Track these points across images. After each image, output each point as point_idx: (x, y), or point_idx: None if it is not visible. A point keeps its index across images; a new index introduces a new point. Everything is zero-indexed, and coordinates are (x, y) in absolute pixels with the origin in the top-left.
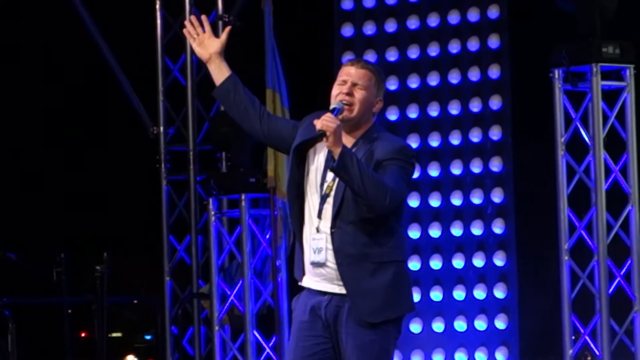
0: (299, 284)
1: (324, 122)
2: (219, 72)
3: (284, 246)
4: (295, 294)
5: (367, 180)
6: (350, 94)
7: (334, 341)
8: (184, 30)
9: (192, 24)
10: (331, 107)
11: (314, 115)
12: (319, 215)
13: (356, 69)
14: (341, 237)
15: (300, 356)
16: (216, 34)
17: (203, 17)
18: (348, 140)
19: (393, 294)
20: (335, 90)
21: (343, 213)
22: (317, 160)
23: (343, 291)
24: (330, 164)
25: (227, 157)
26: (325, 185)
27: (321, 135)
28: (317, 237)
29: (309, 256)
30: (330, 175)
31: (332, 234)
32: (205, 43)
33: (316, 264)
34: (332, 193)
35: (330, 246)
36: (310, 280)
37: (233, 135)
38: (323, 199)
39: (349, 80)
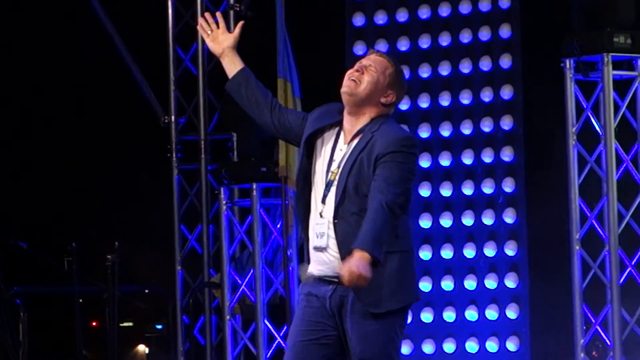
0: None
1: (360, 282)
2: (232, 66)
3: (295, 236)
4: None
5: (383, 235)
6: (360, 71)
7: (340, 330)
8: (198, 27)
9: (206, 20)
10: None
11: (324, 107)
12: (323, 201)
13: (375, 56)
14: (344, 229)
15: (300, 340)
16: (227, 23)
17: (218, 14)
18: (353, 128)
19: (396, 284)
20: (348, 72)
21: (345, 204)
22: (324, 151)
23: None
24: None
25: (236, 140)
26: (330, 173)
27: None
28: (320, 222)
29: (312, 241)
30: (335, 163)
31: (334, 224)
32: (219, 38)
33: (318, 249)
34: (336, 180)
35: (332, 234)
36: (314, 269)
37: (242, 117)
38: (327, 186)
39: (363, 62)
